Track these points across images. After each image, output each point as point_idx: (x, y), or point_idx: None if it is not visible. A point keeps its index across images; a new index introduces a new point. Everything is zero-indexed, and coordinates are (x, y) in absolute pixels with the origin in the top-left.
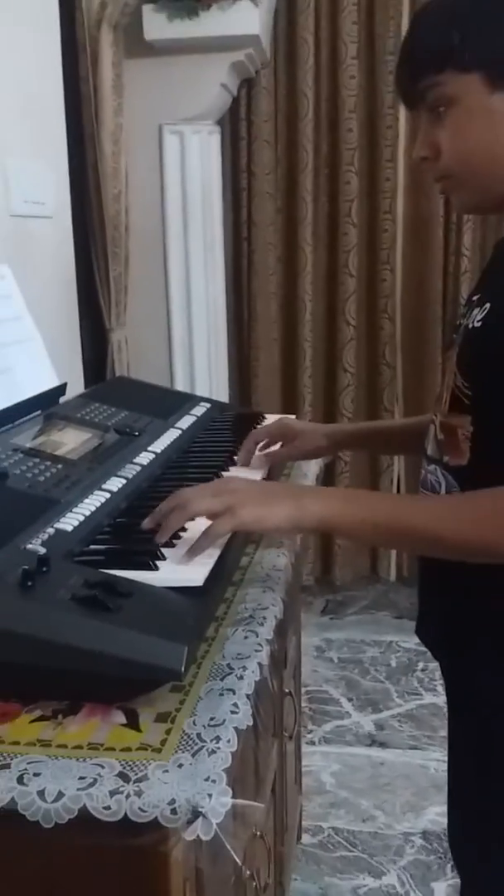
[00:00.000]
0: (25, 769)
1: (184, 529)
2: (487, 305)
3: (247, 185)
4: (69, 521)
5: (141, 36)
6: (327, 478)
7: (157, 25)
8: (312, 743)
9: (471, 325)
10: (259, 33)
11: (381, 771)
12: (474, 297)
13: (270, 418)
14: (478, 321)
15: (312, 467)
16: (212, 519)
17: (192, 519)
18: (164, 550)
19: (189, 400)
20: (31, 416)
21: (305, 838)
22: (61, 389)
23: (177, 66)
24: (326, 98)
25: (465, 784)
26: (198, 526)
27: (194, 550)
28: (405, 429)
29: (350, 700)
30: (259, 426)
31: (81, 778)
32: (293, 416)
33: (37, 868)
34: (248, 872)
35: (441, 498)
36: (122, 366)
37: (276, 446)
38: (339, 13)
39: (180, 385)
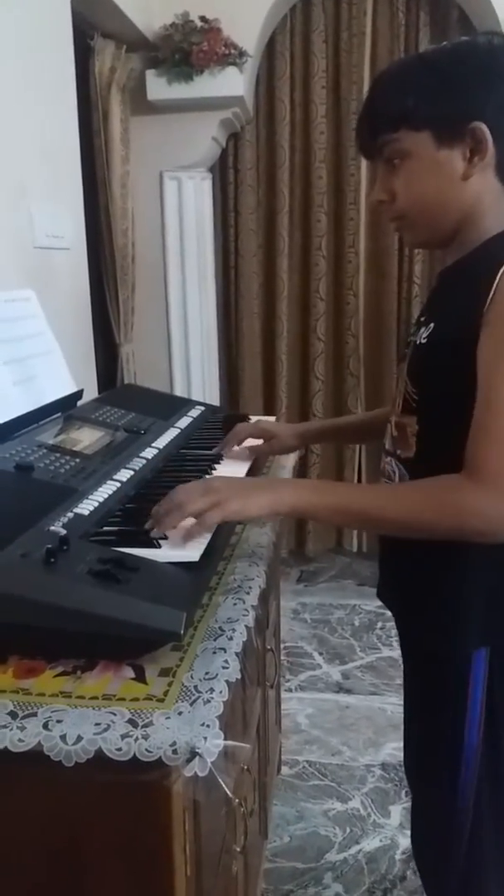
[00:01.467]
0: (50, 717)
1: None
2: (432, 325)
3: (234, 222)
4: (86, 507)
5: (144, 96)
6: (301, 467)
7: (158, 87)
8: (290, 690)
9: (418, 342)
10: (244, 95)
11: (347, 713)
12: (422, 318)
13: (254, 419)
14: (424, 338)
15: (290, 459)
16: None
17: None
18: (167, 531)
19: (187, 404)
20: (53, 417)
21: (284, 770)
22: (78, 394)
23: (175, 121)
24: (300, 150)
25: (413, 722)
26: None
27: (188, 536)
28: (360, 423)
29: (321, 654)
30: (241, 424)
31: (97, 724)
32: (272, 419)
33: (59, 801)
34: (236, 801)
35: (393, 486)
36: (129, 375)
37: (257, 442)
38: (310, 80)
39: (179, 390)
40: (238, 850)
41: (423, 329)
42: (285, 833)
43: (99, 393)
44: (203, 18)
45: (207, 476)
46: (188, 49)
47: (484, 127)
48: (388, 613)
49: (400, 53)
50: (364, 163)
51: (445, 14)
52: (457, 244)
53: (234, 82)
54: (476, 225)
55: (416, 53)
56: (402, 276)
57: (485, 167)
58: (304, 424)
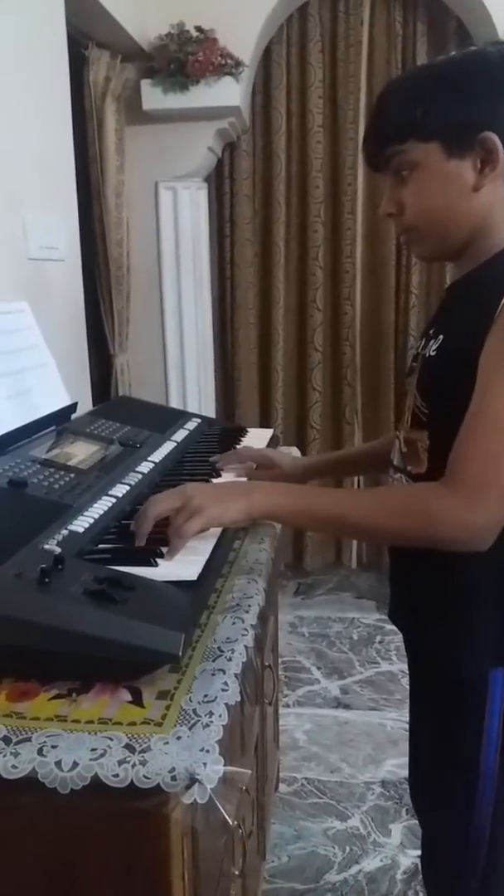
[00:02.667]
0: (45, 742)
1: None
2: (441, 338)
3: (229, 232)
4: (81, 524)
5: (139, 106)
6: None
7: (153, 97)
8: (287, 706)
9: (427, 355)
10: (240, 105)
11: (346, 729)
12: (430, 331)
13: (251, 431)
14: (433, 351)
15: None
16: (178, 523)
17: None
18: (164, 549)
19: (183, 416)
20: (47, 431)
21: (282, 788)
22: (73, 407)
23: (170, 132)
24: (297, 160)
25: (423, 746)
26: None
27: (172, 550)
28: (360, 455)
29: (319, 668)
30: (245, 444)
31: (93, 749)
32: (269, 431)
33: (54, 828)
34: (234, 822)
35: (365, 491)
36: (124, 386)
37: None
38: (307, 89)
39: (174, 401)
40: (237, 873)
41: (432, 342)
42: (284, 853)
43: (93, 404)
44: (199, 28)
45: (179, 485)
46: (184, 59)
47: (494, 137)
48: (388, 627)
49: (397, 63)
50: (361, 173)
51: (443, 24)
52: (467, 257)
53: (229, 92)
54: (487, 237)
55: (424, 63)
56: (400, 287)
57: (495, 178)
58: (306, 459)
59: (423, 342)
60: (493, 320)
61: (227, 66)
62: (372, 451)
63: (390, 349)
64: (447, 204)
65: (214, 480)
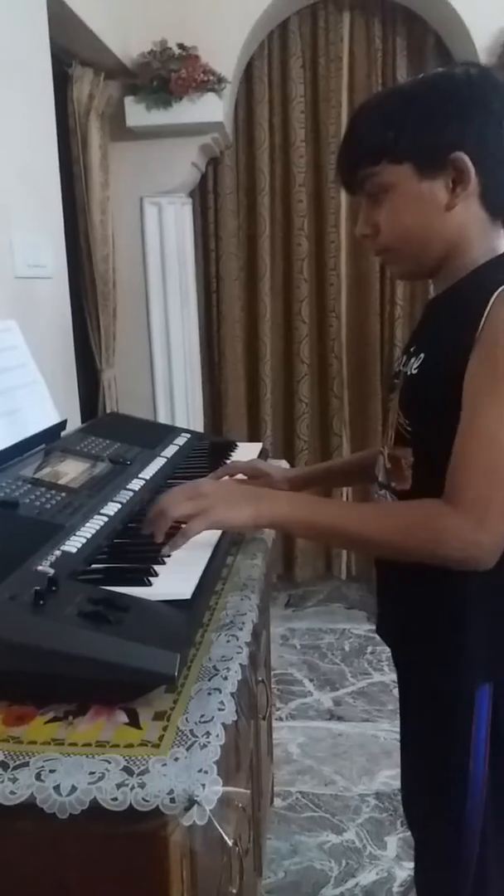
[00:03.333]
0: (42, 766)
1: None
2: (422, 356)
3: (215, 247)
4: (73, 544)
5: (123, 123)
6: None
7: (137, 114)
8: (280, 719)
9: (409, 373)
10: (223, 120)
11: (340, 741)
12: (411, 349)
13: (241, 445)
14: (415, 369)
15: None
16: (187, 520)
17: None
18: (157, 567)
19: (172, 431)
20: (37, 449)
21: (277, 802)
22: (62, 425)
23: (154, 147)
24: (280, 174)
25: (413, 759)
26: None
27: (173, 545)
28: (348, 466)
29: (311, 680)
30: (234, 459)
31: (91, 773)
32: (258, 445)
33: (51, 851)
34: (235, 847)
35: (371, 505)
36: (111, 401)
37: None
38: (289, 104)
39: (162, 416)
40: (234, 891)
41: (413, 359)
42: (280, 868)
43: (82, 420)
44: (181, 45)
45: (197, 479)
46: (166, 76)
47: (465, 157)
48: (378, 638)
49: (377, 78)
50: None
51: (422, 39)
52: (443, 274)
53: (213, 108)
54: (462, 255)
55: (394, 86)
56: (385, 298)
57: (468, 197)
58: (295, 470)
59: (403, 359)
60: (475, 339)
61: (209, 82)
62: (360, 462)
63: (376, 360)
64: (421, 224)
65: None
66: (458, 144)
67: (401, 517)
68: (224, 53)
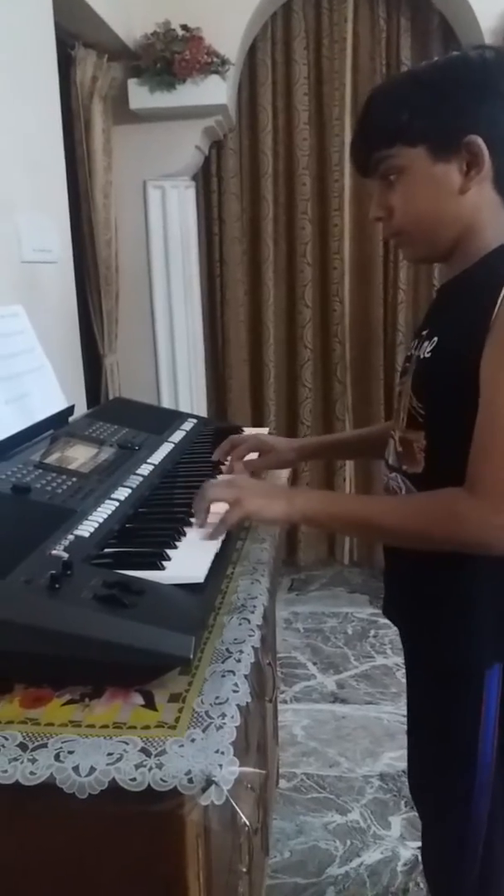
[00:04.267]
0: (61, 748)
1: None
2: (435, 339)
3: (218, 231)
4: (86, 528)
5: (127, 105)
6: (293, 480)
7: (140, 97)
8: (285, 702)
9: (422, 356)
10: (226, 103)
11: (343, 723)
12: (423, 332)
13: (246, 430)
14: (427, 352)
15: (284, 472)
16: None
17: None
18: (170, 552)
19: (178, 417)
20: (45, 435)
21: (282, 783)
22: (70, 410)
23: (157, 131)
24: (283, 157)
25: (420, 740)
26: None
27: (214, 534)
28: (359, 439)
29: (315, 664)
30: (238, 435)
31: (109, 754)
32: (265, 430)
33: (69, 831)
34: (249, 825)
35: (397, 497)
36: (114, 386)
37: (253, 455)
38: (292, 86)
39: (165, 401)
40: (244, 870)
41: (426, 343)
42: (286, 848)
43: (88, 407)
44: (184, 27)
45: (234, 475)
46: (170, 58)
47: (479, 140)
48: (382, 621)
49: (381, 59)
50: (348, 169)
51: (426, 20)
52: (456, 258)
53: (216, 90)
54: (476, 238)
55: (408, 70)
56: (388, 283)
57: (482, 180)
58: (302, 440)
59: (415, 343)
60: (491, 323)
61: (213, 64)
62: (369, 437)
63: (379, 345)
64: (435, 207)
65: (219, 476)
66: (473, 127)
67: (426, 507)
68: (227, 35)
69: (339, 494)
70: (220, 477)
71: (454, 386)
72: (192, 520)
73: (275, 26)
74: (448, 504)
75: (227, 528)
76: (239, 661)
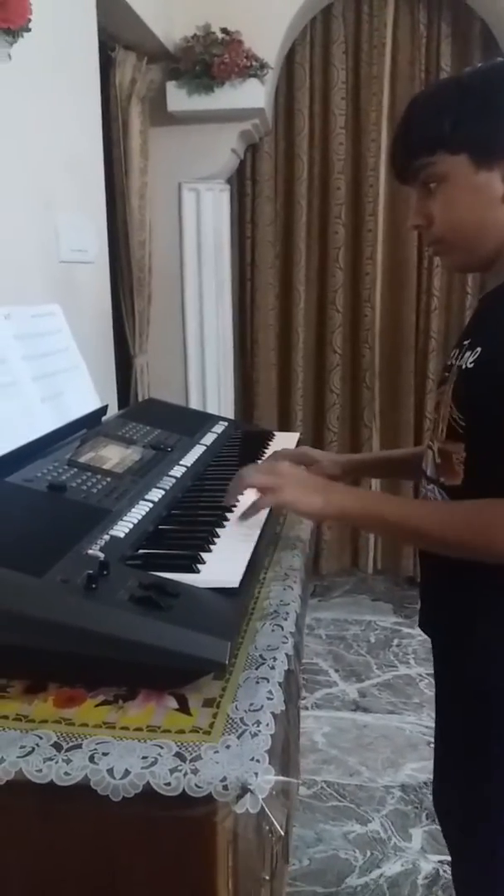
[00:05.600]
0: (95, 749)
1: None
2: (478, 350)
3: (251, 234)
4: (121, 529)
5: (164, 107)
6: None
7: (178, 99)
8: (306, 708)
9: (464, 366)
10: (264, 106)
11: (365, 732)
12: (465, 342)
13: (278, 435)
14: (470, 363)
15: None
16: (261, 492)
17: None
18: (204, 555)
19: (209, 419)
20: (78, 434)
21: (302, 790)
22: (103, 410)
23: (194, 133)
24: (319, 161)
25: (454, 761)
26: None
27: (244, 516)
28: (406, 458)
29: (337, 671)
30: (274, 448)
31: (144, 757)
32: (295, 435)
33: (101, 834)
34: (280, 832)
35: (435, 503)
36: (143, 386)
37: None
38: (330, 90)
39: (193, 402)
40: (267, 877)
41: (468, 353)
42: (305, 856)
43: (118, 406)
44: (224, 30)
45: (275, 462)
46: (209, 61)
47: None
48: (405, 630)
49: (420, 65)
50: (383, 175)
51: (467, 26)
52: (499, 267)
53: (254, 94)
54: None
55: (451, 76)
56: (421, 289)
57: None
58: (346, 456)
59: (456, 352)
60: None
61: (252, 67)
62: (416, 457)
63: (410, 352)
64: (476, 216)
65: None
66: None
67: (466, 514)
68: (267, 38)
69: (376, 493)
70: (244, 505)
71: (497, 398)
72: (226, 511)
73: (314, 30)
74: (490, 512)
75: (257, 513)
76: (273, 668)
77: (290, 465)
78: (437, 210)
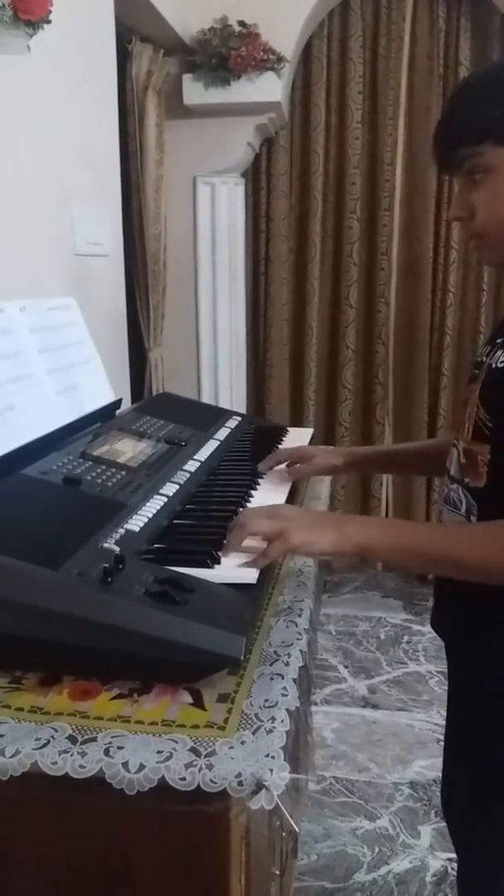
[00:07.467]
0: (110, 742)
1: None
2: None
3: (265, 228)
4: (136, 523)
5: (180, 100)
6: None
7: (194, 92)
8: (315, 703)
9: (494, 365)
10: (280, 100)
11: (374, 728)
12: (498, 340)
13: (291, 430)
14: (501, 362)
15: (325, 489)
16: (266, 540)
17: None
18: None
19: (223, 414)
20: (93, 427)
21: (311, 786)
22: (117, 404)
23: (210, 126)
24: (334, 156)
25: (465, 768)
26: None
27: (253, 565)
28: (418, 452)
29: (346, 667)
30: (282, 446)
31: (159, 752)
32: (308, 430)
33: (115, 827)
34: (295, 828)
35: (461, 527)
36: (157, 380)
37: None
38: (346, 84)
39: (206, 396)
40: (277, 872)
41: (499, 352)
42: (313, 851)
43: (132, 400)
44: (242, 23)
45: (276, 503)
46: (226, 54)
47: None
48: (416, 627)
49: (439, 59)
50: (399, 169)
51: (487, 21)
52: None
53: (271, 88)
54: None
55: (496, 63)
56: (437, 285)
57: None
58: (351, 448)
59: (487, 349)
60: None
61: (269, 61)
62: (429, 453)
63: (425, 348)
64: None
65: (258, 484)
66: None
67: (491, 536)
68: (284, 32)
69: (399, 522)
70: (256, 502)
71: None
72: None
73: (332, 24)
74: None
75: (266, 564)
76: (287, 664)
77: (292, 507)
78: (481, 203)
